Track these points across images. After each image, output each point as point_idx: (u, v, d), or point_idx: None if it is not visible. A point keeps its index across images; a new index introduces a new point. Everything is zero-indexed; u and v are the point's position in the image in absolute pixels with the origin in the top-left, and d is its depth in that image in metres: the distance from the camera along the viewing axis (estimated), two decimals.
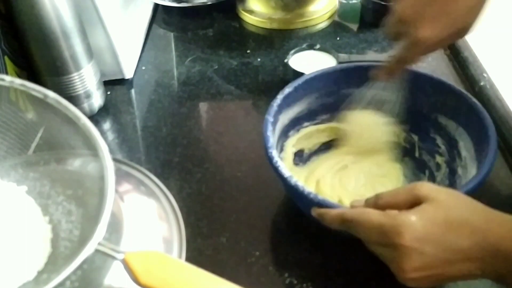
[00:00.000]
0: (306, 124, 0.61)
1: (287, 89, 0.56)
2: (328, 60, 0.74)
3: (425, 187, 0.40)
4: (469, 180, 0.46)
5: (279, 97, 0.55)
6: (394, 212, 0.39)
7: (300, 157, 0.61)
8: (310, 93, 0.59)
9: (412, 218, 0.38)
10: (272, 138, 0.51)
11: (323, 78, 0.58)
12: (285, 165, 0.49)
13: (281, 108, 0.55)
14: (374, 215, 0.40)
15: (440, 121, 0.56)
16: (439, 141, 0.57)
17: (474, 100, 0.53)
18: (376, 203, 0.42)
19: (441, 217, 0.38)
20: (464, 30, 0.49)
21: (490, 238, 0.37)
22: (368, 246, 0.42)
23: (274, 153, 0.49)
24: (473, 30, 0.49)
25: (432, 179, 0.57)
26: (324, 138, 0.62)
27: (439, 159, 0.57)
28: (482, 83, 0.70)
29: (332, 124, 0.61)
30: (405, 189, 0.42)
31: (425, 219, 0.38)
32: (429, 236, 0.38)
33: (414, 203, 0.40)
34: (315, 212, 0.46)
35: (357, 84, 0.58)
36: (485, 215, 0.39)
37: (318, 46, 0.75)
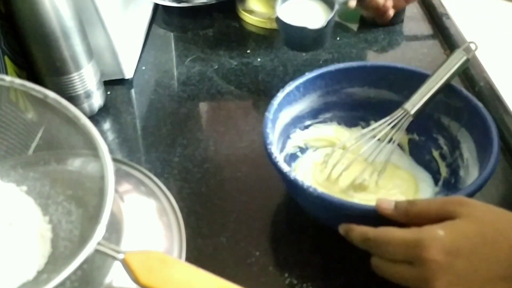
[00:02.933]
0: (308, 122, 0.61)
1: (288, 88, 0.56)
2: (322, 10, 0.70)
3: (459, 202, 0.38)
4: (471, 183, 0.46)
5: (279, 95, 0.55)
6: (418, 228, 0.37)
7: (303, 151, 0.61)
8: (312, 91, 0.58)
9: (439, 232, 0.36)
10: (272, 135, 0.51)
11: (325, 77, 0.58)
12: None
13: (282, 106, 0.55)
14: (398, 231, 0.38)
15: (443, 121, 0.56)
16: (441, 141, 0.57)
17: (477, 101, 0.53)
18: (407, 210, 0.40)
19: (474, 231, 0.36)
20: None
21: None
22: (391, 273, 0.39)
23: (273, 149, 0.49)
24: None
25: (434, 179, 0.57)
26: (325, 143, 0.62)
27: (441, 159, 0.57)
28: (482, 83, 0.70)
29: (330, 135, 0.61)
30: (439, 202, 0.40)
31: (454, 232, 0.36)
32: (458, 249, 0.35)
33: (446, 217, 0.38)
34: (341, 229, 0.44)
35: (360, 83, 0.58)
36: None
37: None
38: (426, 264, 0.36)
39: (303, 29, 0.67)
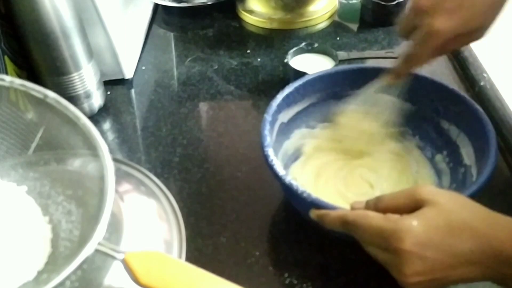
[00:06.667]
0: (308, 124, 0.60)
1: (287, 89, 0.56)
2: (328, 62, 0.74)
3: (426, 190, 0.40)
4: (468, 187, 0.46)
5: (279, 96, 0.55)
6: (395, 216, 0.39)
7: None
8: (311, 93, 0.58)
9: (413, 222, 0.38)
10: (270, 137, 0.51)
11: (325, 79, 0.58)
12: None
13: (281, 107, 0.55)
14: (375, 219, 0.40)
15: (442, 125, 0.56)
16: (440, 145, 0.57)
17: (477, 106, 0.52)
18: (376, 205, 0.42)
19: (442, 222, 0.38)
20: (480, 30, 0.49)
21: (493, 242, 0.37)
22: (367, 249, 0.41)
23: (270, 151, 0.49)
24: (487, 33, 0.49)
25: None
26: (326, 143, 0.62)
27: (440, 163, 0.57)
28: (482, 83, 0.70)
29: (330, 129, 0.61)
30: (406, 192, 0.41)
31: (426, 223, 0.38)
32: (430, 241, 0.37)
33: (415, 206, 0.39)
34: (313, 214, 0.45)
35: (360, 86, 0.58)
36: (488, 219, 0.38)
37: (316, 45, 0.75)
38: (398, 253, 0.38)
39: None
